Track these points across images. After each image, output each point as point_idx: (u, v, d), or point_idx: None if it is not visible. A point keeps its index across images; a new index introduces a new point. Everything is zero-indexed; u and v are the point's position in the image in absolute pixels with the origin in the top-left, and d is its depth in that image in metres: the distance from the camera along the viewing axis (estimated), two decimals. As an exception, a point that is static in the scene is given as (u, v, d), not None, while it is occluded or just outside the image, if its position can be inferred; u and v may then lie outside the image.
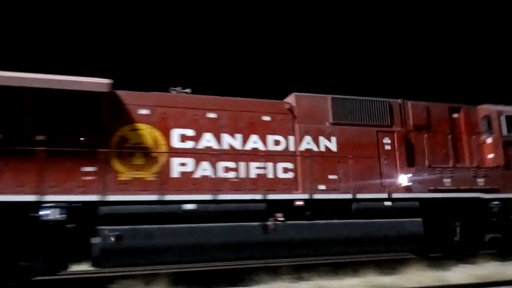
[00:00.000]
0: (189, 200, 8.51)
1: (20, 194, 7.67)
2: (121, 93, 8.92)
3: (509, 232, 10.92)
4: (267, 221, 8.89)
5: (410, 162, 10.57)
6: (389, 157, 10.41)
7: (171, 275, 8.84)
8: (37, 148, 7.76)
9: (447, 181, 10.64)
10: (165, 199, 8.36)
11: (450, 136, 11.06)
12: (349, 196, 9.59)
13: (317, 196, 9.41)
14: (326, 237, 9.22)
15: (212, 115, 9.42)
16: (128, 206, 8.15)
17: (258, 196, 8.97)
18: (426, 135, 10.88)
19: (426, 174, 10.50)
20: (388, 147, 10.51)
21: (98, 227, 7.92)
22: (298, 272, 9.03)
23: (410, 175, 10.29)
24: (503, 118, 11.50)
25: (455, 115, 11.51)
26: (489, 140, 11.33)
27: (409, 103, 11.07)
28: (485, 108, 11.68)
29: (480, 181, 10.92)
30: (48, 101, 8.19)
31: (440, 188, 10.48)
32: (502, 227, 10.86)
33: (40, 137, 7.98)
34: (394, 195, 9.96)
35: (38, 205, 7.70)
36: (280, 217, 9.01)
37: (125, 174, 8.57)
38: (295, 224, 9.11)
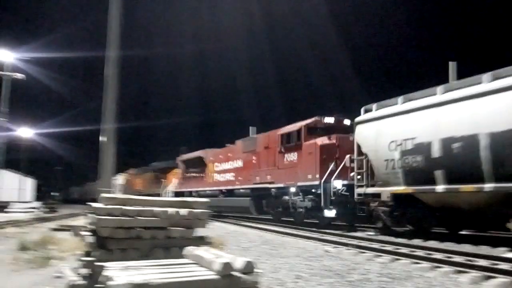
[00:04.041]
0: (212, 189, 24.46)
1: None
2: (208, 149, 25.93)
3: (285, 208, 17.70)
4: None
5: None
6: (254, 166, 20.54)
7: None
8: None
9: (257, 178, 19.16)
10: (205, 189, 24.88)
11: (276, 152, 18.91)
12: (228, 187, 21.48)
13: (225, 188, 22.13)
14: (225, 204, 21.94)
15: (222, 155, 24.32)
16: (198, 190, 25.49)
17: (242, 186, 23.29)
18: (266, 152, 19.53)
19: (252, 175, 19.73)
20: (254, 161, 20.59)
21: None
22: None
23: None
24: (278, 136, 17.75)
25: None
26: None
27: (260, 135, 20.04)
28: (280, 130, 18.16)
29: (268, 177, 18.30)
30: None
31: (254, 182, 19.34)
32: (279, 204, 17.87)
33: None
34: (242, 186, 20.45)
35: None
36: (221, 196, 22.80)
37: (210, 178, 25.60)
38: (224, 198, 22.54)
